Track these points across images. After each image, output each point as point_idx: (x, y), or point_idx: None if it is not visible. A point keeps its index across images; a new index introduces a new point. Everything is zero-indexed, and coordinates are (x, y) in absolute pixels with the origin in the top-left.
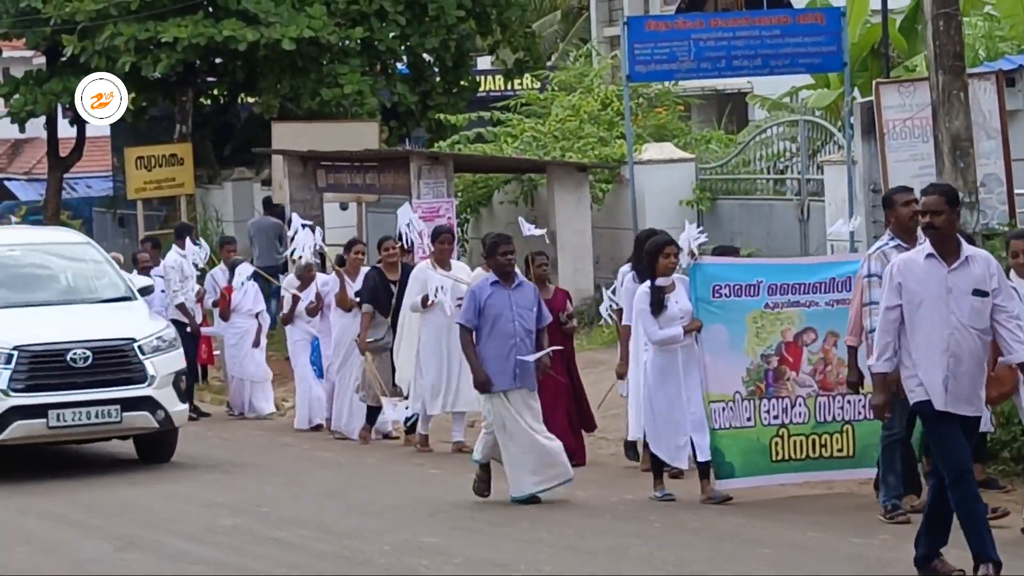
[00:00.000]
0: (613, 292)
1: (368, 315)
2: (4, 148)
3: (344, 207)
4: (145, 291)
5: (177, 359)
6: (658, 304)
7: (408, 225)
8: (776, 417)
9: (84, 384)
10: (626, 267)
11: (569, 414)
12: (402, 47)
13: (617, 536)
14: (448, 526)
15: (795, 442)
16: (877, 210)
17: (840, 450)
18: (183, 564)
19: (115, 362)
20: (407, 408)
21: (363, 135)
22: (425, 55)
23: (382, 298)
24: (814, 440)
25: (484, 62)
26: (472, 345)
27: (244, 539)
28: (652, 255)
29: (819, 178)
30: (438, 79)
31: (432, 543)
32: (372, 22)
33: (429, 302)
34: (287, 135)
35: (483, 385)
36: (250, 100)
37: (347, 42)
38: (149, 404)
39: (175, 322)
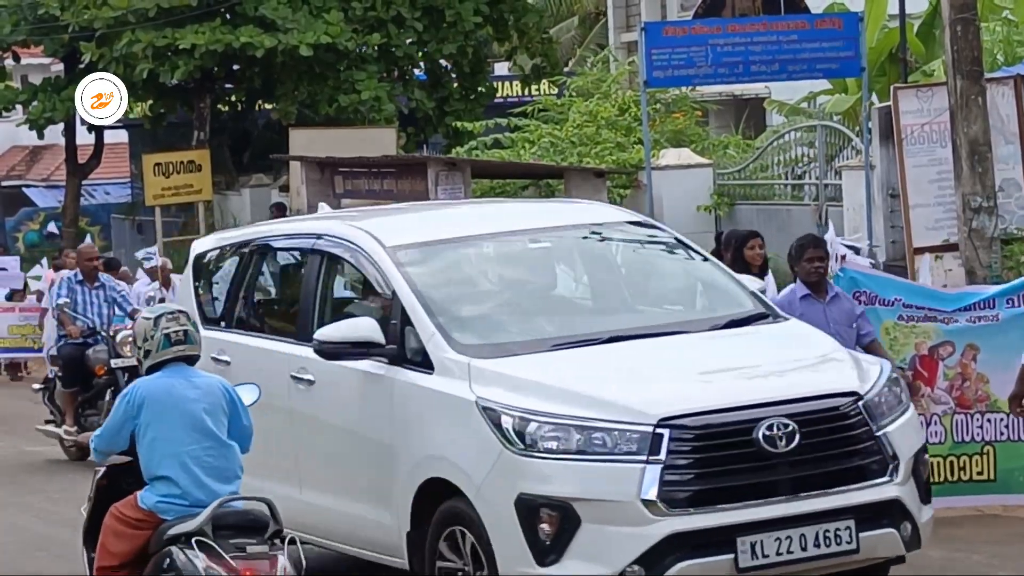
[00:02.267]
0: None
1: None
2: (23, 155)
3: None
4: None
5: (914, 427)
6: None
7: None
8: None
9: (790, 483)
10: None
11: None
12: (419, 53)
13: None
14: None
15: (932, 464)
16: (896, 215)
17: (980, 473)
18: None
19: (835, 440)
20: None
21: (380, 141)
22: (442, 61)
23: None
24: (952, 462)
25: (501, 68)
26: None
27: None
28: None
29: (837, 183)
30: (455, 85)
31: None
32: (389, 28)
33: None
34: (304, 141)
35: None
36: (268, 106)
37: (364, 48)
38: (895, 513)
39: None
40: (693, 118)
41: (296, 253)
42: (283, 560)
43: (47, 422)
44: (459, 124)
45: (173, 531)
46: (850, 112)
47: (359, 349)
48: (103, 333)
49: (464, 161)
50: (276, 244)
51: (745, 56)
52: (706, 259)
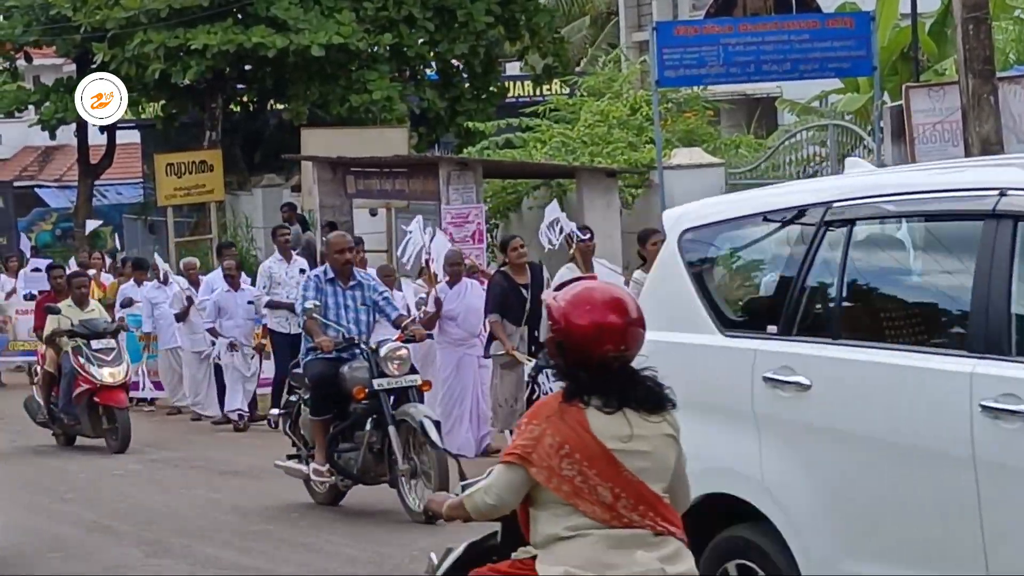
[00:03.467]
0: None
1: (498, 324)
2: (35, 155)
3: (374, 213)
4: None
5: None
6: None
7: (552, 224)
8: None
9: None
10: None
11: None
12: (431, 53)
13: None
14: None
15: None
16: None
17: None
18: (213, 570)
19: None
20: None
21: (392, 141)
22: (454, 61)
23: (513, 304)
24: None
25: (513, 68)
26: None
27: (275, 545)
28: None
29: None
30: (467, 85)
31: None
32: (401, 28)
33: None
34: (316, 141)
35: None
36: (279, 107)
37: (376, 48)
38: None
39: (272, 331)
40: (705, 117)
41: (945, 220)
42: None
43: (290, 457)
44: (470, 124)
45: None
46: (862, 111)
47: None
48: (363, 345)
49: (476, 161)
50: (891, 207)
51: (757, 55)
52: None
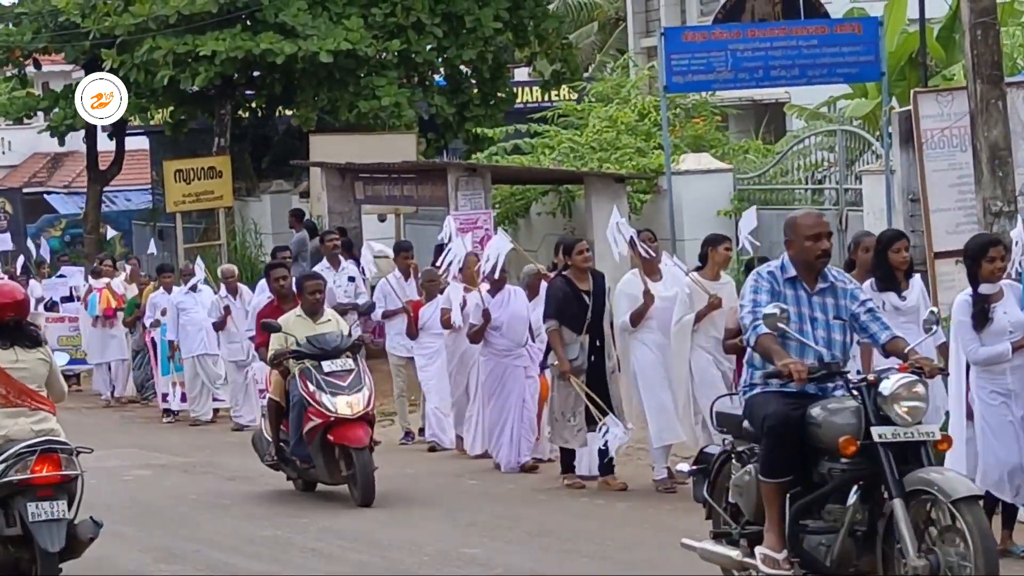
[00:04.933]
0: None
1: (555, 333)
2: (44, 162)
3: (382, 219)
4: None
5: None
6: (982, 315)
7: (615, 226)
8: None
9: None
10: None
11: None
12: (439, 59)
13: (657, 548)
14: (487, 536)
15: None
16: (916, 220)
17: None
18: None
19: None
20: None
21: (401, 147)
22: (462, 67)
23: (574, 311)
24: None
25: (521, 74)
26: None
27: (284, 550)
28: (974, 258)
29: (857, 188)
30: (475, 91)
31: (471, 553)
32: (409, 34)
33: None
34: (325, 147)
35: None
36: (288, 113)
37: (384, 54)
38: None
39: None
40: (713, 123)
41: None
42: None
43: (717, 536)
44: (479, 130)
45: None
46: (870, 116)
47: None
48: (845, 374)
49: (484, 167)
50: None
51: (765, 61)
52: None
